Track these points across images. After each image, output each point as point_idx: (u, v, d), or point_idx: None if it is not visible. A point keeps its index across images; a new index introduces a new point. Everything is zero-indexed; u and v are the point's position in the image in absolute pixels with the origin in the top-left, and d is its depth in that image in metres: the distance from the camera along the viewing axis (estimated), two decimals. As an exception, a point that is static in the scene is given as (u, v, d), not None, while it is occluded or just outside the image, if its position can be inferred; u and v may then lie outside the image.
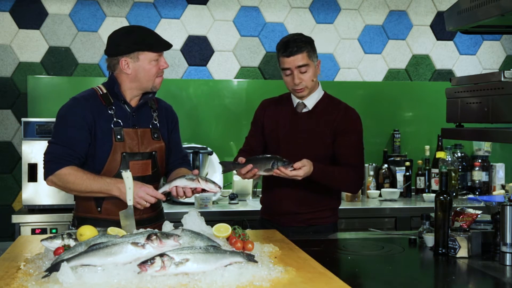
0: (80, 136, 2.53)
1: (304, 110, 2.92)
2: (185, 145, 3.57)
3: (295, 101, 2.93)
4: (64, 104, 2.62)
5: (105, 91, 2.62)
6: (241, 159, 2.71)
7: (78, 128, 2.54)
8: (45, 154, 2.56)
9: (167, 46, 2.62)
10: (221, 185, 4.07)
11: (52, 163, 2.52)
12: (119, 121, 2.58)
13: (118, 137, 2.56)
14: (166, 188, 2.48)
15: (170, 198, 4.04)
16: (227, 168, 2.80)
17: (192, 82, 4.46)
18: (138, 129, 2.62)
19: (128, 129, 2.60)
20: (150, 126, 2.67)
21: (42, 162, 2.58)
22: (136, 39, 2.55)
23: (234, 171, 2.87)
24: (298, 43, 2.79)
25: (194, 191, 2.48)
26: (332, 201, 2.97)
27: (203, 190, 2.47)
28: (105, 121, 2.57)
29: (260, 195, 3.12)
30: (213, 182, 2.46)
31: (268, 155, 2.72)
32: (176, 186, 2.46)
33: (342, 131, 2.86)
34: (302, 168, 2.63)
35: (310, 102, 2.91)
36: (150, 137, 2.65)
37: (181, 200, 3.87)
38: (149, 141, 2.64)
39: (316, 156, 2.77)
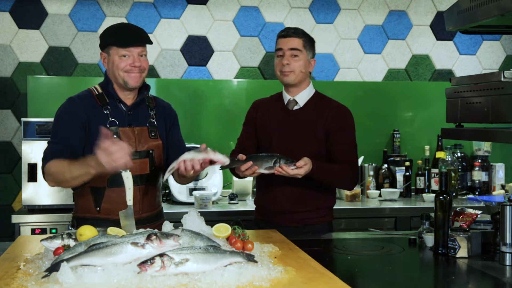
0: (72, 132, 2.55)
1: (296, 107, 2.92)
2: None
3: (286, 98, 2.94)
4: (61, 105, 2.64)
5: (100, 91, 2.64)
6: (241, 156, 2.68)
7: (72, 125, 2.55)
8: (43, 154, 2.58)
9: (136, 42, 2.55)
10: (221, 186, 4.07)
11: (43, 161, 2.53)
12: (115, 120, 2.59)
13: (115, 136, 2.56)
14: (174, 164, 2.44)
15: (169, 198, 4.05)
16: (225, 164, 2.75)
17: (192, 82, 4.46)
18: (134, 128, 2.62)
19: (124, 128, 2.60)
20: (148, 125, 2.67)
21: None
22: (109, 34, 2.60)
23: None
24: (297, 30, 2.90)
25: (202, 163, 2.43)
26: (328, 200, 2.97)
27: (211, 163, 2.44)
28: (101, 121, 2.56)
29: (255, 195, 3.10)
30: (222, 154, 2.44)
31: (271, 153, 2.69)
32: (184, 161, 2.41)
33: (336, 129, 2.86)
34: (303, 167, 2.63)
35: (301, 98, 2.92)
36: (147, 135, 2.65)
37: (181, 200, 3.89)
38: (146, 140, 2.64)
39: (309, 153, 2.77)
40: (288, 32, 2.87)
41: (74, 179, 2.47)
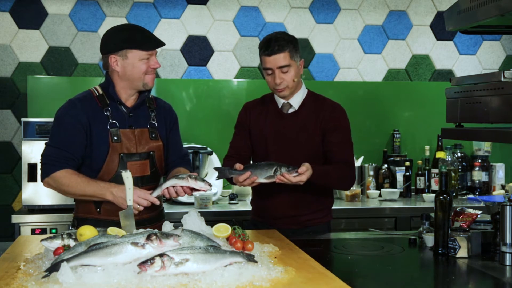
0: (75, 138, 2.54)
1: (290, 110, 2.88)
2: (184, 145, 3.56)
3: (280, 102, 2.89)
4: (60, 107, 2.63)
5: (101, 92, 2.63)
6: (239, 165, 2.62)
7: (73, 130, 2.54)
8: (41, 156, 2.58)
9: (157, 44, 2.59)
10: (221, 186, 4.07)
11: (48, 165, 2.54)
12: (115, 122, 2.58)
13: (115, 138, 2.56)
14: (158, 191, 2.48)
15: (169, 198, 4.04)
16: (222, 174, 2.68)
17: (192, 82, 4.46)
18: (135, 129, 2.62)
19: (125, 130, 2.59)
20: (148, 126, 2.67)
21: (39, 164, 2.59)
22: (125, 37, 2.54)
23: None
24: (280, 42, 2.72)
25: (185, 190, 2.47)
26: (327, 200, 2.96)
27: (195, 189, 2.46)
28: (101, 123, 2.57)
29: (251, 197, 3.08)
30: (203, 180, 2.43)
31: (269, 162, 2.62)
32: (167, 188, 2.46)
33: (331, 128, 2.83)
34: (305, 173, 2.57)
35: (296, 102, 2.87)
36: (148, 137, 2.65)
37: (181, 200, 3.89)
38: (147, 141, 2.64)
39: (306, 156, 2.74)
40: (273, 50, 2.70)
41: (82, 196, 2.54)
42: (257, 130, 2.91)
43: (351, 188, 3.95)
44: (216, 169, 2.74)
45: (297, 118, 2.86)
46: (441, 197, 2.38)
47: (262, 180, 2.59)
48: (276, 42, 2.72)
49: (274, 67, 2.74)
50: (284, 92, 2.80)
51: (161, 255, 1.79)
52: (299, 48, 2.82)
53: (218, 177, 2.71)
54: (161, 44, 2.60)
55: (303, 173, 2.57)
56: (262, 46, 2.77)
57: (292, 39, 2.79)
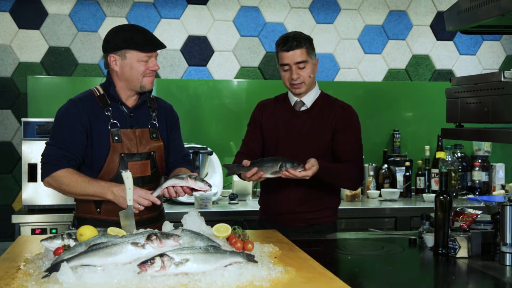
0: (75, 138, 2.54)
1: (303, 108, 2.93)
2: (185, 145, 3.57)
3: (293, 99, 2.94)
4: (61, 106, 2.63)
5: (102, 92, 2.63)
6: (246, 162, 2.67)
7: (73, 130, 2.54)
8: (42, 155, 2.58)
9: (157, 46, 2.58)
10: (221, 186, 4.07)
11: (48, 165, 2.54)
12: (116, 122, 2.58)
13: (116, 138, 2.56)
14: (158, 191, 2.48)
15: (168, 198, 4.04)
16: (231, 171, 2.76)
17: (192, 82, 4.46)
18: (136, 129, 2.62)
19: (125, 130, 2.59)
20: (149, 126, 2.67)
21: (40, 163, 2.59)
22: (125, 37, 2.54)
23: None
24: (297, 39, 2.81)
25: (185, 190, 2.47)
26: (332, 200, 2.97)
27: (194, 189, 2.46)
28: (102, 123, 2.57)
29: (259, 196, 3.11)
30: (203, 181, 2.44)
31: (275, 157, 2.67)
32: (167, 187, 2.46)
33: (342, 128, 2.87)
34: (311, 168, 2.62)
35: (308, 100, 2.92)
36: (149, 137, 2.65)
37: (181, 200, 3.89)
38: (148, 141, 2.64)
39: (316, 154, 2.78)
40: (291, 45, 2.78)
41: (83, 195, 2.53)
42: (269, 127, 2.96)
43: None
44: (225, 166, 2.83)
45: (308, 116, 2.90)
46: (441, 197, 2.38)
47: (268, 175, 2.65)
48: (294, 38, 2.81)
49: (291, 63, 2.81)
50: (300, 89, 2.86)
51: (161, 255, 1.79)
52: (314, 48, 2.90)
53: (228, 174, 2.80)
54: (161, 46, 2.59)
55: (309, 169, 2.61)
56: (279, 42, 2.85)
57: (308, 37, 2.87)
